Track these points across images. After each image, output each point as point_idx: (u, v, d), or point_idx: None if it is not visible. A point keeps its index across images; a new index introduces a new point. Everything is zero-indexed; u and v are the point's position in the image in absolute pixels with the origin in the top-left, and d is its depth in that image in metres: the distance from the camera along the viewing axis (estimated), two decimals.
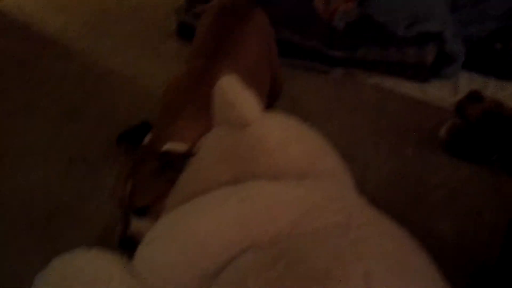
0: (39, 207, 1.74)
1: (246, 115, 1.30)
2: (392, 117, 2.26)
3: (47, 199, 1.77)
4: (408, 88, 2.46)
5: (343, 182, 1.36)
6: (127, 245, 1.34)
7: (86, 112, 2.18)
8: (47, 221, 1.68)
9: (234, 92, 1.32)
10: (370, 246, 0.96)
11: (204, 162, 1.35)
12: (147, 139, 1.49)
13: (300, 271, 0.90)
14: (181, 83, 1.56)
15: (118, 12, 3.01)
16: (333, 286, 0.86)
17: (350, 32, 2.52)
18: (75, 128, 2.08)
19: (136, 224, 1.37)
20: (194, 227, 1.11)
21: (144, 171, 1.36)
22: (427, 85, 2.47)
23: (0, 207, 1.74)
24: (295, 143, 1.32)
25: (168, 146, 1.41)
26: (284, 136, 1.32)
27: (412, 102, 2.37)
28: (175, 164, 1.36)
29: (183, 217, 1.16)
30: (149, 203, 1.36)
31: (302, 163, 1.29)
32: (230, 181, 1.25)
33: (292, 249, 0.96)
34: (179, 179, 1.38)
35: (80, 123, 2.11)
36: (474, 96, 2.04)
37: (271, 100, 1.95)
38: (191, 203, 1.20)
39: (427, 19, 2.44)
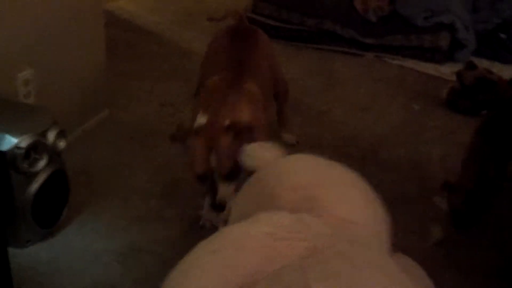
0: (141, 127, 2.48)
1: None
2: (407, 86, 2.89)
3: (146, 125, 2.51)
4: (425, 67, 3.07)
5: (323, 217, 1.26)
6: (218, 209, 1.72)
7: (173, 76, 2.93)
8: (147, 137, 2.41)
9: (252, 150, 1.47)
10: (318, 271, 1.00)
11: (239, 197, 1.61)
12: (197, 122, 1.85)
13: None
14: (218, 85, 1.99)
15: (197, 13, 3.79)
16: None
17: (380, 23, 3.18)
18: (166, 85, 2.83)
19: (223, 189, 1.69)
20: None
21: (223, 143, 1.67)
22: (441, 66, 3.08)
23: (117, 132, 2.48)
24: (287, 176, 1.38)
25: (227, 121, 1.79)
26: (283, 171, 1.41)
27: (426, 77, 2.99)
28: (242, 132, 1.76)
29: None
30: (234, 167, 1.66)
31: (293, 196, 1.28)
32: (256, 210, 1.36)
33: None
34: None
35: (170, 82, 2.86)
36: (471, 66, 2.64)
37: (282, 99, 2.33)
38: (178, 267, 1.21)
39: (442, 13, 3.07)
